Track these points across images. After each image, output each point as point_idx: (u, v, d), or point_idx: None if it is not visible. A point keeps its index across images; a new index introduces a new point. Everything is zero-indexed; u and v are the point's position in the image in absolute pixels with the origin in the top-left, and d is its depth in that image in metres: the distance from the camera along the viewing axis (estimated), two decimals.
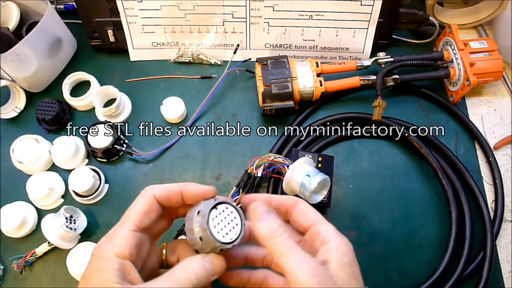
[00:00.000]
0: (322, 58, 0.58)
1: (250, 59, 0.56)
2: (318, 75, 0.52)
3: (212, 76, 0.57)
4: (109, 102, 0.55)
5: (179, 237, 0.43)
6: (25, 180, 0.49)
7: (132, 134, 0.53)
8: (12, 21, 0.55)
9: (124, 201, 0.49)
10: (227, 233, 0.32)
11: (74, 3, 0.60)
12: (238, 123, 0.54)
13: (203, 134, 0.53)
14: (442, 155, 0.50)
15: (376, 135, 0.52)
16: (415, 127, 0.51)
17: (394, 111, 0.53)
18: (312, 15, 0.54)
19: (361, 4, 0.52)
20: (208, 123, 0.54)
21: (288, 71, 0.50)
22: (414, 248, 0.47)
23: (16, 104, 0.55)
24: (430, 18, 0.57)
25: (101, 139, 0.50)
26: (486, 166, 0.52)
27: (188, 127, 0.53)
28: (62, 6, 0.61)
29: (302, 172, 0.42)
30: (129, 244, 0.30)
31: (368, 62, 0.53)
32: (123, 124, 0.54)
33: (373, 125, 0.52)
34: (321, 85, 0.51)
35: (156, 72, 0.58)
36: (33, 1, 0.54)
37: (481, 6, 0.59)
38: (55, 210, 0.49)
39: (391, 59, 0.53)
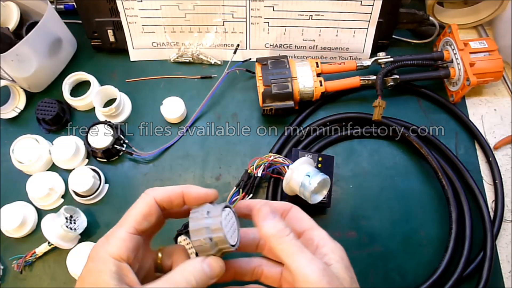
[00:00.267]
0: (322, 58, 0.58)
1: (250, 59, 0.56)
2: (318, 75, 0.52)
3: (212, 76, 0.57)
4: (109, 102, 0.55)
5: (179, 237, 0.43)
6: (25, 180, 0.49)
7: (132, 134, 0.53)
8: (12, 21, 0.55)
9: (124, 201, 0.50)
10: (231, 236, 0.33)
11: (74, 3, 0.60)
12: (238, 123, 0.54)
13: (203, 134, 0.53)
14: (442, 155, 0.50)
15: (376, 135, 0.52)
16: (415, 127, 0.52)
17: (394, 111, 0.53)
18: (312, 15, 0.54)
19: (361, 4, 0.52)
20: (208, 123, 0.54)
21: (288, 71, 0.50)
22: (414, 248, 0.47)
23: (16, 104, 0.55)
24: (430, 18, 0.57)
25: (101, 139, 0.51)
26: (486, 166, 0.52)
27: (188, 127, 0.53)
28: (62, 6, 0.61)
29: (302, 172, 0.42)
30: (127, 246, 0.29)
31: (368, 62, 0.53)
32: (123, 124, 0.54)
33: (373, 125, 0.52)
34: (321, 85, 0.51)
35: (156, 72, 0.58)
36: (33, 1, 0.54)
37: (481, 6, 0.59)
38: (55, 210, 0.49)
39: (391, 59, 0.53)
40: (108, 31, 0.56)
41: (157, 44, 0.57)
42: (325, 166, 0.46)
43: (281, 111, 0.51)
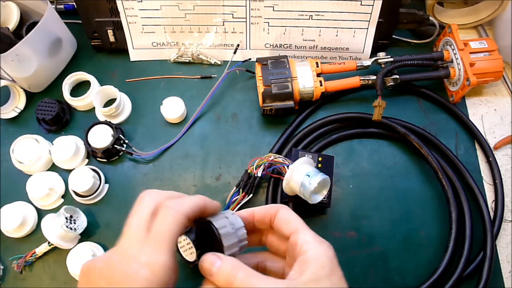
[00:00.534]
0: (322, 58, 0.58)
1: (250, 59, 0.56)
2: (318, 75, 0.52)
3: (212, 76, 0.57)
4: (109, 102, 0.55)
5: (179, 238, 0.43)
6: (25, 180, 0.49)
7: (132, 134, 0.53)
8: (12, 21, 0.55)
9: (124, 201, 0.50)
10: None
11: (74, 3, 0.60)
12: (238, 123, 0.54)
13: (203, 134, 0.53)
14: (442, 155, 0.50)
15: (376, 135, 0.52)
16: (415, 127, 0.52)
17: (394, 111, 0.53)
18: (312, 15, 0.54)
19: (361, 4, 0.52)
20: (208, 123, 0.54)
21: (288, 71, 0.50)
22: (414, 248, 0.47)
23: (16, 104, 0.55)
24: (430, 18, 0.57)
25: (101, 139, 0.50)
26: (486, 166, 0.52)
27: (188, 127, 0.53)
28: (62, 6, 0.61)
29: (302, 172, 0.42)
30: (176, 276, 0.27)
31: (368, 62, 0.53)
32: (123, 124, 0.54)
33: (373, 125, 0.52)
34: (321, 85, 0.51)
35: (156, 72, 0.58)
36: (33, 1, 0.54)
37: (481, 6, 0.59)
38: (55, 210, 0.49)
39: (391, 59, 0.53)
40: (108, 31, 0.56)
41: (157, 44, 0.57)
42: (325, 166, 0.46)
43: (281, 111, 0.51)
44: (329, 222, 0.48)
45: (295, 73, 0.50)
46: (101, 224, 0.48)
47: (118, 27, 0.56)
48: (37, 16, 0.55)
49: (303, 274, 0.27)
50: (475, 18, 0.59)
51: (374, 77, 0.52)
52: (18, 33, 0.54)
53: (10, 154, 0.50)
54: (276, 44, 0.57)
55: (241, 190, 0.46)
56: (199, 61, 0.58)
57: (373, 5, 0.52)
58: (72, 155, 0.49)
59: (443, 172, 0.48)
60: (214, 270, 0.28)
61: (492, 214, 0.48)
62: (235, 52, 0.56)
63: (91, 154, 0.51)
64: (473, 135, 0.53)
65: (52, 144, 0.51)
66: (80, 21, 0.57)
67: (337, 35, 0.55)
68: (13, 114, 0.54)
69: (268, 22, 0.55)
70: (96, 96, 0.52)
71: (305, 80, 0.50)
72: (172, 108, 0.53)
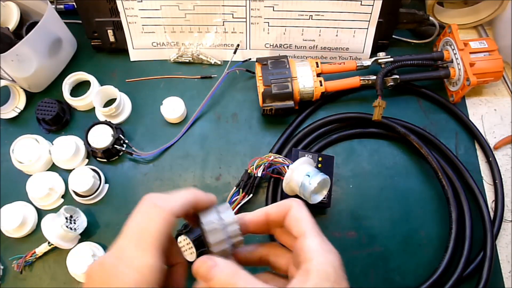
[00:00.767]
0: (322, 58, 0.58)
1: (250, 59, 0.56)
2: (318, 75, 0.52)
3: (212, 76, 0.57)
4: (109, 102, 0.55)
5: (179, 237, 0.43)
6: (25, 180, 0.49)
7: (132, 134, 0.53)
8: (12, 21, 0.55)
9: (124, 201, 0.50)
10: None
11: (74, 3, 0.60)
12: (238, 123, 0.54)
13: (203, 134, 0.53)
14: (442, 155, 0.50)
15: (376, 135, 0.52)
16: (415, 127, 0.52)
17: (394, 111, 0.53)
18: (312, 15, 0.54)
19: (361, 4, 0.52)
20: (208, 123, 0.54)
21: (288, 71, 0.50)
22: (414, 248, 0.47)
23: (16, 104, 0.55)
24: (430, 18, 0.57)
25: (101, 139, 0.50)
26: (486, 166, 0.52)
27: (188, 127, 0.53)
28: (62, 6, 0.61)
29: (302, 172, 0.42)
30: (161, 278, 0.27)
31: (368, 62, 0.53)
32: (123, 124, 0.54)
33: (373, 125, 0.52)
34: (321, 85, 0.51)
35: (156, 72, 0.58)
36: (33, 1, 0.54)
37: (481, 6, 0.59)
38: (55, 210, 0.49)
39: (391, 59, 0.53)
40: (108, 31, 0.56)
41: (157, 44, 0.57)
42: (325, 166, 0.46)
43: (281, 111, 0.51)
44: (329, 222, 0.48)
45: (295, 73, 0.50)
46: (101, 224, 0.48)
47: (118, 27, 0.56)
48: (37, 16, 0.55)
49: (306, 284, 0.26)
50: (475, 18, 0.59)
51: (374, 77, 0.52)
52: (18, 33, 0.54)
53: (10, 154, 0.50)
54: (276, 44, 0.57)
55: (241, 190, 0.46)
56: (199, 61, 0.58)
57: (373, 5, 0.52)
58: (72, 155, 0.49)
59: (443, 172, 0.48)
60: (210, 276, 0.27)
61: (492, 214, 0.48)
62: (235, 52, 0.56)
63: (91, 154, 0.51)
64: (473, 135, 0.53)
65: (52, 144, 0.51)
66: (80, 21, 0.57)
67: (337, 35, 0.55)
68: (13, 114, 0.54)
69: (268, 22, 0.55)
70: (96, 96, 0.52)
71: (305, 80, 0.50)
72: (172, 108, 0.53)
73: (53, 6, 0.60)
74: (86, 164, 0.51)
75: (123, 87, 0.55)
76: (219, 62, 0.58)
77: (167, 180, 0.51)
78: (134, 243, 0.27)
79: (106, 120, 0.52)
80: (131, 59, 0.58)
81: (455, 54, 0.53)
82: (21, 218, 0.46)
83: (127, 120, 0.55)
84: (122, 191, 0.50)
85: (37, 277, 0.46)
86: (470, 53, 0.52)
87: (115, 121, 0.53)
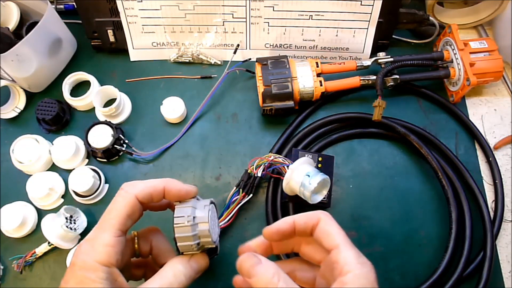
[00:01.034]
0: (322, 58, 0.58)
1: (250, 59, 0.56)
2: (318, 75, 0.52)
3: (212, 76, 0.57)
4: (109, 102, 0.55)
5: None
6: (25, 180, 0.49)
7: (132, 134, 0.53)
8: (12, 21, 0.55)
9: None
10: (215, 235, 0.33)
11: (74, 3, 0.60)
12: (238, 123, 0.54)
13: (203, 134, 0.53)
14: (442, 155, 0.50)
15: (376, 135, 0.52)
16: (415, 127, 0.52)
17: (394, 111, 0.53)
18: (312, 15, 0.54)
19: (361, 4, 0.52)
20: (208, 123, 0.54)
21: (288, 71, 0.50)
22: (414, 248, 0.47)
23: (16, 104, 0.55)
24: (430, 18, 0.57)
25: (101, 139, 0.50)
26: (486, 166, 0.52)
27: (188, 127, 0.53)
28: (62, 6, 0.61)
29: (302, 172, 0.42)
30: (115, 251, 0.29)
31: (368, 62, 0.53)
32: (123, 124, 0.54)
33: (373, 125, 0.52)
34: (321, 85, 0.51)
35: (156, 72, 0.58)
36: (33, 1, 0.54)
37: (481, 6, 0.59)
38: (55, 210, 0.49)
39: (391, 59, 0.53)
40: (108, 31, 0.56)
41: (157, 44, 0.57)
42: (325, 166, 0.46)
43: (281, 111, 0.51)
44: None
45: (295, 73, 0.50)
46: None
47: (118, 27, 0.56)
48: (37, 16, 0.55)
49: None
50: (475, 18, 0.59)
51: (374, 77, 0.52)
52: (18, 33, 0.54)
53: (10, 154, 0.50)
54: (276, 44, 0.57)
55: (241, 190, 0.46)
56: (199, 61, 0.58)
57: (373, 5, 0.52)
58: (72, 155, 0.49)
59: (443, 172, 0.48)
60: (254, 273, 0.28)
61: (492, 214, 0.48)
62: (235, 52, 0.56)
63: (91, 154, 0.51)
64: (473, 135, 0.53)
65: (52, 144, 0.51)
66: (80, 21, 0.57)
67: (337, 35, 0.55)
68: (13, 114, 0.54)
69: (268, 22, 0.55)
70: (96, 96, 0.52)
71: (305, 80, 0.50)
72: (172, 108, 0.53)
73: (53, 6, 0.60)
74: (86, 164, 0.51)
75: (123, 87, 0.55)
76: (219, 62, 0.58)
77: None
78: (97, 225, 0.30)
79: (106, 120, 0.52)
80: (131, 59, 0.58)
81: (455, 54, 0.53)
82: (21, 218, 0.46)
83: (127, 120, 0.55)
84: None
85: (37, 277, 0.46)
86: (470, 53, 0.52)
87: (115, 121, 0.53)
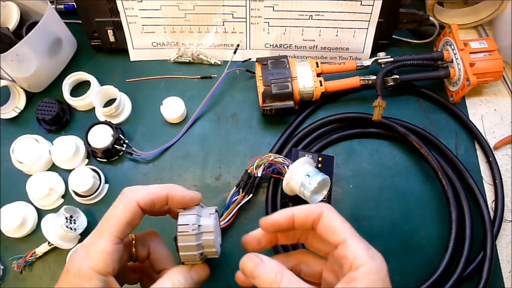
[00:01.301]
0: (322, 58, 0.58)
1: (250, 59, 0.56)
2: (318, 75, 0.52)
3: (212, 76, 0.57)
4: (109, 102, 0.55)
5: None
6: (25, 180, 0.49)
7: (132, 134, 0.53)
8: (12, 21, 0.55)
9: None
10: (218, 245, 0.32)
11: (74, 3, 0.60)
12: (238, 123, 0.54)
13: (203, 134, 0.53)
14: (442, 155, 0.50)
15: (376, 135, 0.52)
16: (415, 127, 0.52)
17: (394, 111, 0.53)
18: (312, 15, 0.54)
19: (361, 4, 0.52)
20: (208, 123, 0.54)
21: (288, 71, 0.50)
22: (414, 248, 0.47)
23: (16, 104, 0.55)
24: (430, 18, 0.57)
25: (101, 139, 0.50)
26: (486, 166, 0.52)
27: (188, 127, 0.53)
28: (62, 6, 0.61)
29: (302, 172, 0.42)
30: (112, 260, 0.28)
31: (368, 62, 0.53)
32: (123, 124, 0.54)
33: (373, 125, 0.52)
34: (321, 85, 0.51)
35: (156, 72, 0.58)
36: (33, 1, 0.54)
37: (481, 6, 0.59)
38: (55, 210, 0.49)
39: (391, 59, 0.53)
40: (108, 31, 0.56)
41: (157, 44, 0.57)
42: (325, 166, 0.46)
43: (281, 111, 0.51)
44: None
45: (295, 73, 0.50)
46: None
47: (118, 27, 0.56)
48: (37, 16, 0.55)
49: None
50: (475, 18, 0.59)
51: (374, 77, 0.52)
52: (18, 33, 0.54)
53: (10, 154, 0.50)
54: (276, 44, 0.57)
55: (241, 190, 0.46)
56: (199, 61, 0.58)
57: (373, 5, 0.52)
58: (72, 155, 0.49)
59: (443, 172, 0.48)
60: (256, 274, 0.28)
61: (492, 214, 0.48)
62: (235, 52, 0.56)
63: (91, 154, 0.51)
64: (473, 135, 0.53)
65: (52, 144, 0.51)
66: (80, 21, 0.57)
67: (337, 35, 0.55)
68: (13, 114, 0.54)
69: (268, 22, 0.55)
70: (96, 96, 0.52)
71: (305, 80, 0.50)
72: (172, 108, 0.53)
73: (53, 6, 0.60)
74: (86, 164, 0.51)
75: (123, 87, 0.55)
76: (219, 62, 0.58)
77: (167, 180, 0.51)
78: (94, 231, 0.29)
79: (106, 120, 0.52)
80: (131, 59, 0.58)
81: (455, 54, 0.53)
82: (21, 218, 0.46)
83: (127, 120, 0.55)
84: None
85: (37, 277, 0.46)
86: (470, 53, 0.52)
87: (115, 121, 0.53)
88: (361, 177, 0.51)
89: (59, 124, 0.53)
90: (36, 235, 0.48)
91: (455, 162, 0.50)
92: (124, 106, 0.54)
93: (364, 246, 0.28)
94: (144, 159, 0.52)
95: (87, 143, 0.50)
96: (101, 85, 0.55)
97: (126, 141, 0.52)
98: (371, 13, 0.53)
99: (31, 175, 0.49)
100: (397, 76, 0.52)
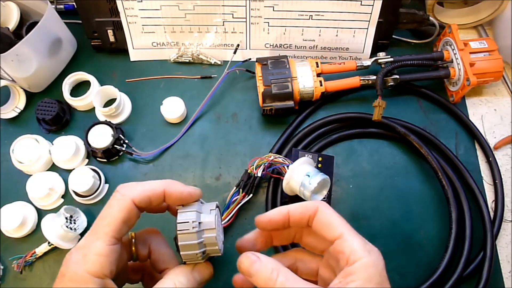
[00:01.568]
0: (322, 58, 0.58)
1: (250, 59, 0.56)
2: (318, 75, 0.52)
3: (212, 76, 0.57)
4: (109, 102, 0.55)
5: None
6: (25, 180, 0.49)
7: (132, 134, 0.53)
8: (12, 21, 0.55)
9: None
10: (221, 242, 0.31)
11: (74, 3, 0.60)
12: (238, 123, 0.54)
13: (203, 134, 0.53)
14: (442, 155, 0.50)
15: (376, 135, 0.52)
16: (415, 127, 0.52)
17: (394, 111, 0.53)
18: (312, 15, 0.54)
19: (361, 4, 0.52)
20: (208, 123, 0.54)
21: (288, 71, 0.50)
22: (414, 248, 0.47)
23: (16, 104, 0.55)
24: (430, 18, 0.57)
25: (101, 139, 0.50)
26: (486, 166, 0.52)
27: (188, 127, 0.53)
28: (62, 6, 0.61)
29: (302, 172, 0.42)
30: (109, 262, 0.27)
31: (368, 62, 0.53)
32: (123, 124, 0.54)
33: (373, 125, 0.52)
34: (321, 85, 0.51)
35: (156, 72, 0.58)
36: (33, 1, 0.54)
37: (481, 6, 0.59)
38: (55, 210, 0.49)
39: (391, 59, 0.53)
40: (108, 31, 0.56)
41: (157, 44, 0.57)
42: (325, 166, 0.46)
43: (281, 111, 0.51)
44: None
45: (295, 73, 0.51)
46: None
47: (118, 27, 0.56)
48: (37, 16, 0.55)
49: (347, 285, 0.26)
50: (475, 18, 0.59)
51: (374, 77, 0.52)
52: (18, 33, 0.54)
53: (10, 154, 0.50)
54: (276, 44, 0.57)
55: (241, 190, 0.46)
56: (199, 61, 0.58)
57: (373, 5, 0.52)
58: (72, 155, 0.49)
59: (443, 172, 0.48)
60: (253, 271, 0.27)
61: (492, 214, 0.48)
62: (235, 52, 0.56)
63: (91, 154, 0.51)
64: (473, 135, 0.53)
65: (52, 144, 0.51)
66: (80, 21, 0.57)
67: (337, 35, 0.55)
68: (13, 114, 0.54)
69: (268, 22, 0.55)
70: (96, 96, 0.52)
71: (305, 80, 0.50)
72: (172, 108, 0.53)
73: (53, 6, 0.60)
74: (86, 164, 0.51)
75: (123, 87, 0.55)
76: (219, 62, 0.58)
77: None
78: (89, 232, 0.28)
79: (106, 120, 0.52)
80: (131, 59, 0.58)
81: (455, 54, 0.53)
82: (21, 218, 0.46)
83: (127, 120, 0.55)
84: None
85: (37, 277, 0.46)
86: (470, 53, 0.52)
87: (115, 121, 0.53)
88: (361, 177, 0.51)
89: (59, 124, 0.53)
90: (36, 235, 0.48)
91: (455, 162, 0.50)
92: (124, 106, 0.54)
93: (361, 241, 0.28)
94: (144, 159, 0.52)
95: (87, 143, 0.50)
96: (101, 85, 0.55)
97: (126, 141, 0.52)
98: (371, 13, 0.53)
99: (31, 175, 0.49)
100: (397, 76, 0.52)
